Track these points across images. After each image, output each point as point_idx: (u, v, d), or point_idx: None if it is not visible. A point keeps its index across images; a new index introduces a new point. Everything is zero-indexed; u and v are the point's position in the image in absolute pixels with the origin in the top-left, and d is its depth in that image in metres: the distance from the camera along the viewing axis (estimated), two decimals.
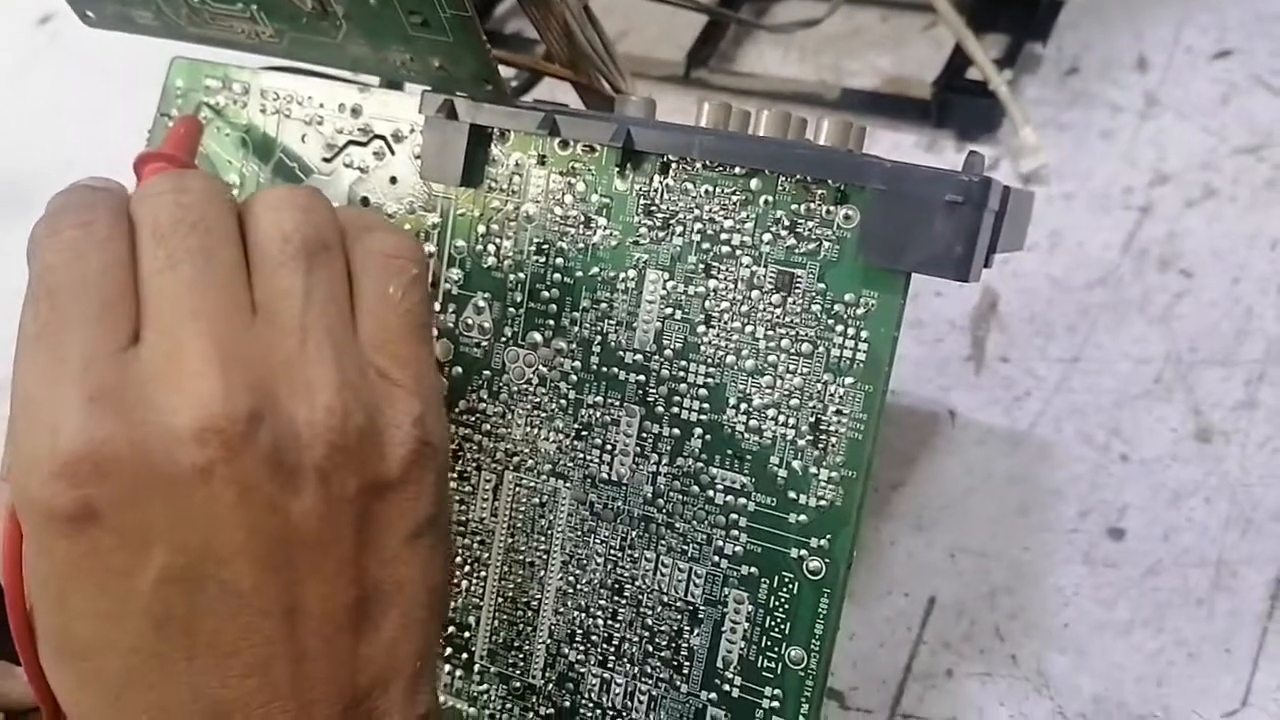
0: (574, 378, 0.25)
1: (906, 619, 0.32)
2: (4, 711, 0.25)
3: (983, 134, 0.41)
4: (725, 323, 0.24)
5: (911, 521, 0.34)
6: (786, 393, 0.23)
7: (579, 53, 0.30)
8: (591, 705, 0.25)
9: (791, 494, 0.23)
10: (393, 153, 0.27)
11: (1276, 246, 0.36)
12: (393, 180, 0.27)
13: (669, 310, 0.24)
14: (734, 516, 0.24)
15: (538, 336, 0.25)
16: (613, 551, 0.25)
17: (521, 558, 0.26)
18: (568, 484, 0.25)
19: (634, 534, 0.25)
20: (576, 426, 0.25)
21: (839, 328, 0.23)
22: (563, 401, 0.25)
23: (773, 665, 0.23)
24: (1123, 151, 0.40)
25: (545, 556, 0.26)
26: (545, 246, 0.25)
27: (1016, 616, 0.32)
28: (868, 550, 0.34)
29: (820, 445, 0.23)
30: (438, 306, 0.26)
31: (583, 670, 0.25)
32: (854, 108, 0.43)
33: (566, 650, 0.26)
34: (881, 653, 0.32)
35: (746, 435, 0.24)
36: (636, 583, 0.25)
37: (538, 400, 0.25)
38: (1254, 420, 0.33)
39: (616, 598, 0.25)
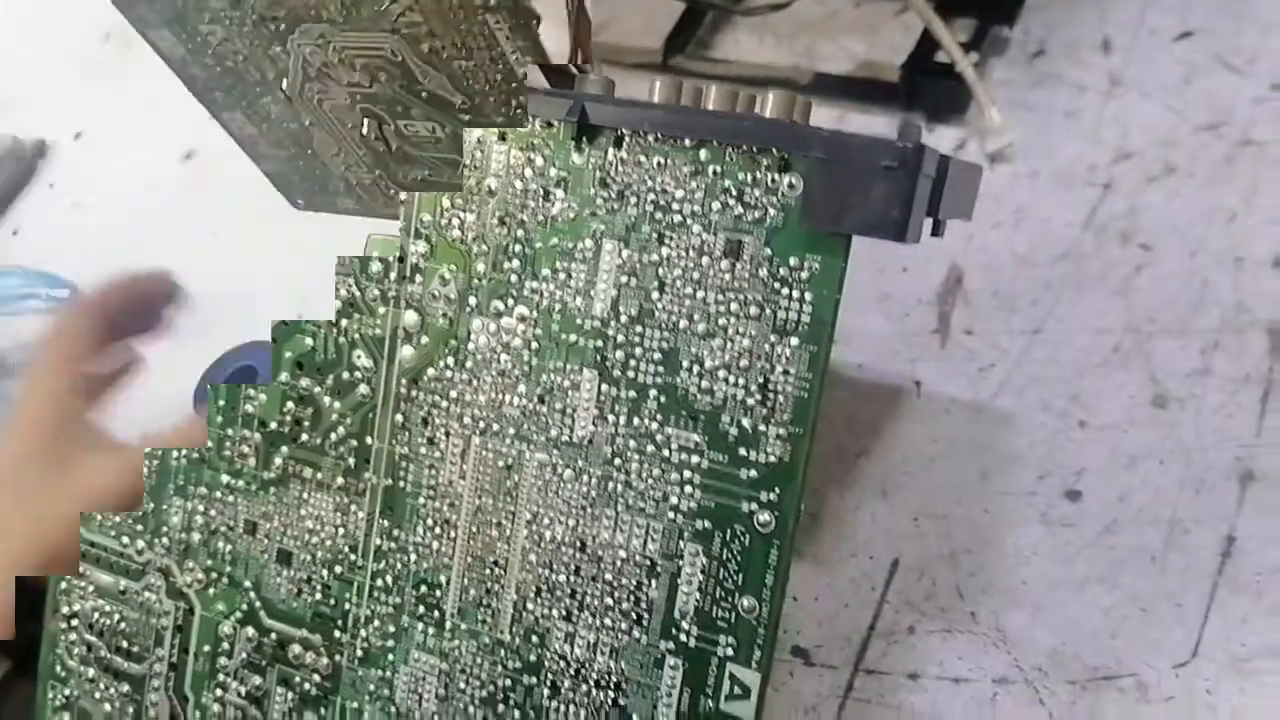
0: (535, 345, 0.26)
1: (871, 580, 0.33)
2: None
3: (951, 115, 0.42)
4: (678, 289, 0.25)
5: (876, 488, 0.35)
6: (736, 354, 0.24)
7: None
8: (557, 657, 0.26)
9: (742, 451, 0.24)
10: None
11: (1233, 220, 0.37)
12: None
13: (625, 278, 0.25)
14: (688, 474, 0.25)
15: (500, 305, 0.26)
16: (575, 510, 0.26)
17: (489, 518, 0.27)
18: (532, 447, 0.26)
19: (594, 493, 0.26)
20: (539, 391, 0.26)
21: (784, 290, 0.24)
22: (525, 368, 0.26)
23: (726, 614, 0.25)
24: (1086, 130, 0.41)
25: (512, 517, 0.27)
26: (506, 219, 0.26)
27: (976, 575, 0.33)
28: (833, 515, 0.35)
29: (768, 404, 0.24)
30: (407, 279, 0.27)
31: (548, 624, 0.26)
32: (826, 91, 0.44)
33: (532, 606, 0.27)
34: (846, 612, 0.33)
35: (699, 396, 0.25)
36: (598, 539, 0.26)
37: (502, 367, 0.27)
38: (1208, 387, 0.34)
39: (578, 554, 0.26)
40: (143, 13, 0.32)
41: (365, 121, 0.31)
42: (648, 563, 0.25)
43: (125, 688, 0.31)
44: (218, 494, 0.30)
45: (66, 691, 0.32)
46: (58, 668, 0.32)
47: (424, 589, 0.28)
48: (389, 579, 0.28)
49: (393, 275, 0.27)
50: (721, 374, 0.24)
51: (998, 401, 0.36)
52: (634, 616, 0.26)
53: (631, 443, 0.25)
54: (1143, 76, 0.42)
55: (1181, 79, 0.41)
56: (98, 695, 0.31)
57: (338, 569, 0.29)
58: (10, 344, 0.56)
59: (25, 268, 0.60)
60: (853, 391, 0.37)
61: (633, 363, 0.25)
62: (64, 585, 0.32)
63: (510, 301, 0.26)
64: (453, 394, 0.27)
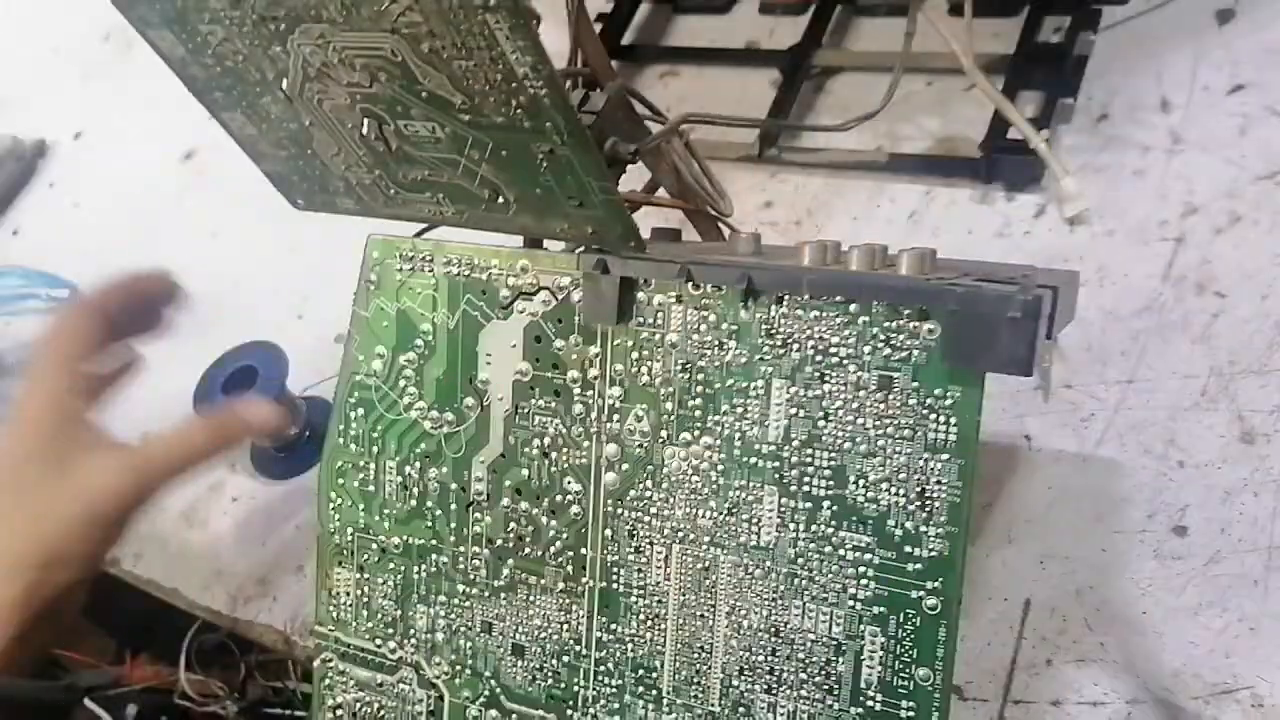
0: (721, 467, 0.32)
1: (1008, 619, 0.39)
2: None
3: (1029, 185, 0.47)
4: (840, 417, 0.30)
5: (1003, 536, 0.40)
6: (895, 469, 0.29)
7: (685, 186, 0.36)
8: None
9: (907, 548, 0.30)
10: (558, 300, 0.33)
11: None
12: (559, 321, 0.33)
13: (794, 410, 0.31)
14: (862, 569, 0.30)
15: (688, 436, 0.32)
16: (767, 602, 0.31)
17: (693, 611, 0.32)
18: (725, 551, 0.32)
19: (783, 587, 0.31)
20: (727, 506, 0.32)
21: (932, 416, 0.29)
22: (714, 486, 0.32)
23: (905, 683, 0.30)
24: (1154, 188, 0.45)
25: (713, 609, 0.32)
26: (688, 365, 0.32)
27: (1101, 609, 0.38)
28: (969, 564, 0.40)
29: (926, 509, 0.29)
30: (606, 419, 0.33)
31: (752, 697, 0.32)
32: (909, 170, 0.49)
33: (737, 682, 0.32)
34: (989, 650, 0.38)
35: (866, 504, 0.30)
36: (789, 625, 0.31)
37: (693, 486, 0.32)
38: None
39: (774, 638, 0.31)
40: (143, 12, 0.32)
41: (365, 121, 0.31)
42: (834, 643, 0.31)
43: None
44: (456, 601, 0.36)
45: None
46: None
47: (641, 672, 0.33)
48: (610, 665, 0.34)
49: (593, 415, 0.33)
50: (884, 485, 0.30)
51: (1102, 449, 0.41)
52: (826, 688, 0.31)
53: (811, 545, 0.31)
54: (1201, 132, 0.46)
55: (1237, 131, 0.46)
56: None
57: (565, 658, 0.35)
58: (10, 344, 0.59)
59: (25, 268, 0.62)
60: None
61: (806, 479, 0.31)
62: (327, 681, 0.38)
63: (697, 432, 0.32)
64: (653, 510, 0.33)
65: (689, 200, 0.37)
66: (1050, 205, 0.47)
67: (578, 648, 0.34)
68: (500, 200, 0.32)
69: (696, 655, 0.33)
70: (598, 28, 0.59)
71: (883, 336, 0.29)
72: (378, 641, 0.37)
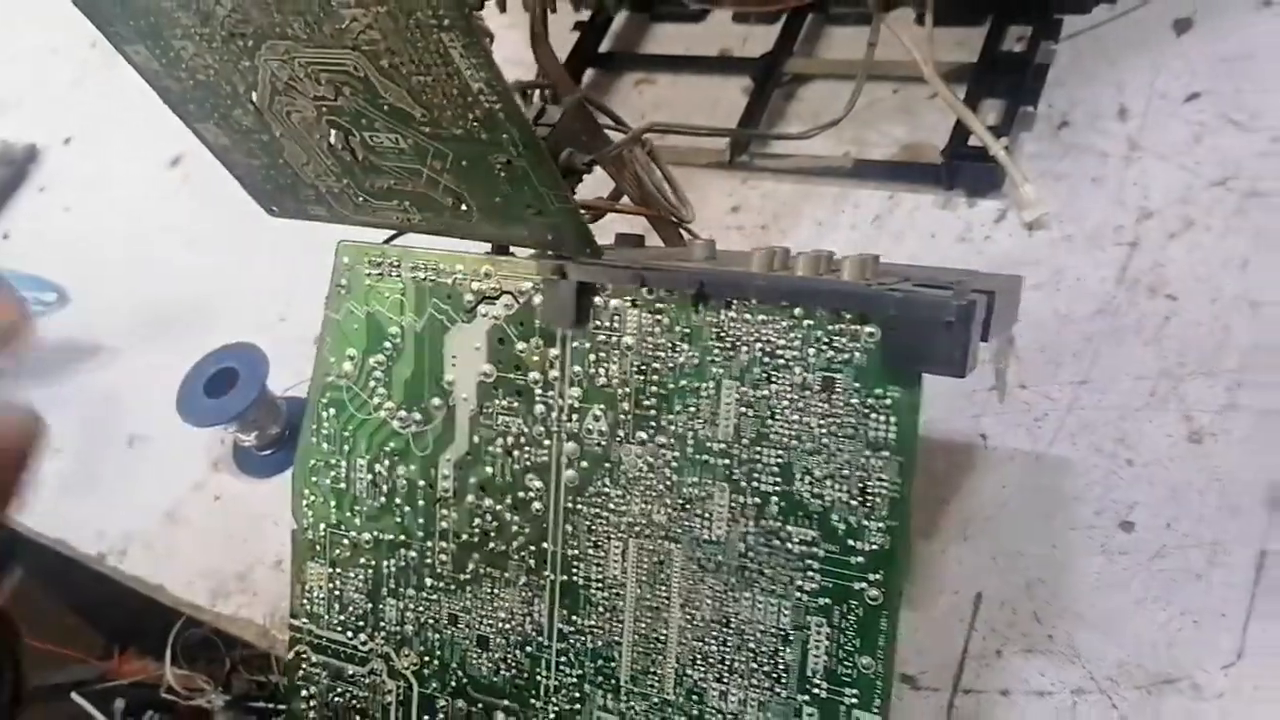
0: (674, 464, 0.33)
1: (959, 613, 0.40)
2: None
3: (990, 191, 0.48)
4: (787, 416, 0.31)
5: (958, 532, 0.41)
6: (838, 466, 0.31)
7: (647, 193, 0.37)
8: (714, 711, 0.33)
9: (850, 542, 0.31)
10: (520, 304, 0.34)
11: (1246, 267, 0.43)
12: (520, 324, 0.35)
13: (743, 409, 0.32)
14: (808, 562, 0.31)
15: (644, 435, 0.33)
16: (719, 594, 0.33)
17: (649, 604, 0.34)
18: (679, 545, 0.33)
19: (733, 580, 0.32)
20: (680, 501, 0.33)
21: (873, 416, 0.30)
22: (668, 483, 0.33)
23: (849, 671, 0.31)
24: (1111, 194, 0.47)
25: (667, 601, 0.33)
26: (643, 367, 0.33)
27: (1050, 603, 0.39)
28: (923, 559, 0.41)
29: (868, 504, 0.30)
30: (565, 418, 0.34)
31: (705, 686, 0.33)
32: (875, 176, 0.50)
33: (690, 671, 0.33)
34: (941, 642, 0.39)
35: (811, 500, 0.31)
36: (740, 616, 0.32)
37: (649, 483, 0.33)
38: (1236, 421, 0.40)
39: (725, 629, 0.33)
40: (118, 28, 0.33)
41: (332, 133, 0.32)
42: (782, 633, 0.32)
43: None
44: (423, 594, 0.37)
45: None
46: None
47: (600, 662, 0.35)
48: (571, 655, 0.35)
49: (554, 415, 0.34)
50: (828, 482, 0.31)
51: (1054, 448, 0.42)
52: (775, 676, 0.32)
53: (760, 539, 0.32)
54: (1158, 139, 0.47)
55: (1192, 138, 0.47)
56: None
57: (528, 649, 0.36)
58: None
59: (15, 271, 0.64)
60: (929, 447, 0.43)
61: (755, 476, 0.32)
62: (302, 672, 0.39)
63: (652, 431, 0.33)
64: (610, 506, 0.34)
65: (651, 207, 0.38)
66: (1010, 211, 0.48)
67: (539, 639, 0.36)
68: (463, 208, 0.33)
69: (652, 646, 0.34)
70: (575, 36, 0.60)
71: (825, 339, 0.30)
72: (349, 634, 0.39)
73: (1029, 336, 0.45)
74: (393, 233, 0.38)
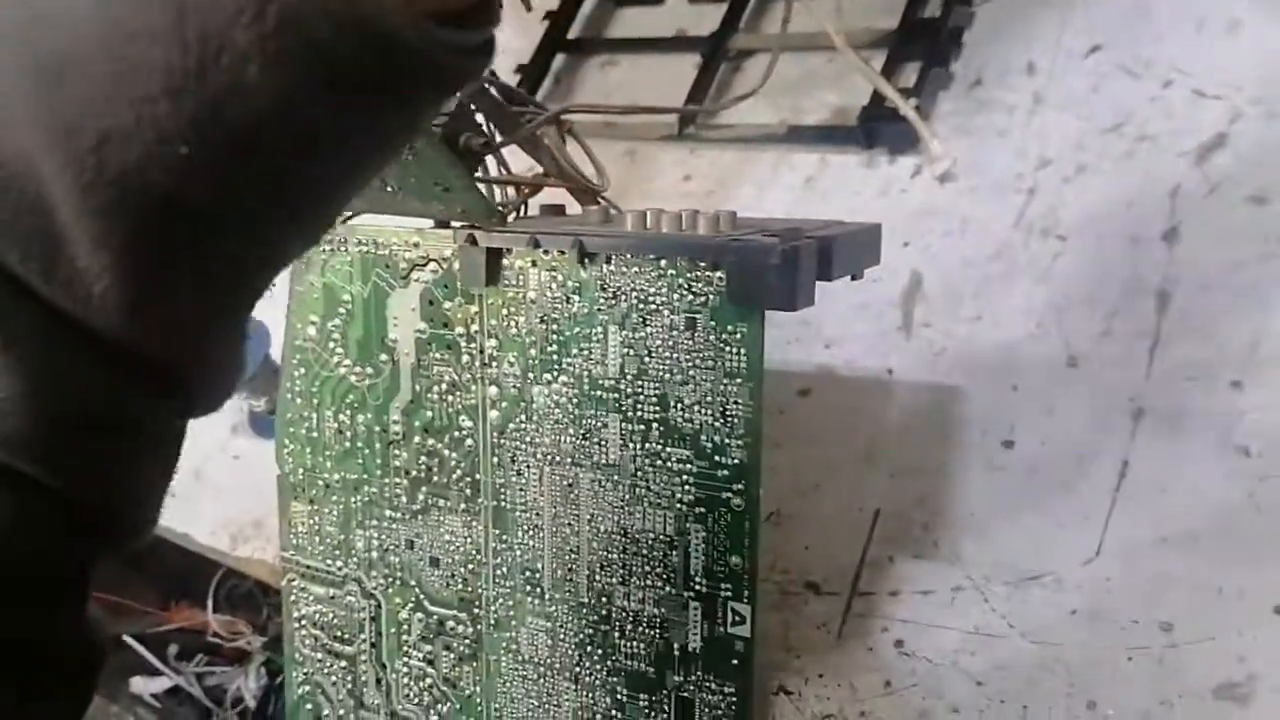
0: (575, 400, 0.38)
1: (860, 527, 0.45)
2: None
3: (908, 149, 0.53)
4: (660, 353, 0.36)
5: (863, 456, 0.46)
6: (704, 394, 0.36)
7: (560, 168, 0.43)
8: (620, 610, 0.39)
9: (717, 458, 0.36)
10: (444, 269, 0.40)
11: (1130, 207, 0.47)
12: (445, 286, 0.40)
13: (626, 350, 0.37)
14: (685, 478, 0.37)
15: (549, 376, 0.39)
16: (617, 509, 0.38)
17: (563, 521, 0.39)
18: (583, 470, 0.39)
19: (628, 496, 0.38)
20: (582, 432, 0.38)
21: (727, 349, 0.35)
22: (571, 416, 0.39)
23: (723, 569, 0.36)
24: (1015, 145, 0.51)
25: (577, 518, 0.39)
26: (545, 318, 0.38)
27: (938, 514, 0.44)
28: (832, 478, 0.46)
29: (729, 425, 0.36)
30: (486, 365, 0.40)
31: (611, 589, 0.39)
32: (806, 140, 0.55)
33: (599, 577, 0.39)
34: (843, 552, 0.44)
35: (684, 424, 0.36)
36: (635, 527, 0.38)
37: (556, 418, 0.39)
38: (1109, 345, 0.44)
39: (624, 538, 0.38)
40: None
41: None
42: (669, 539, 0.37)
43: (343, 664, 0.45)
44: (384, 524, 0.43)
45: (305, 670, 0.46)
46: (296, 655, 0.46)
47: (528, 573, 0.40)
48: (505, 569, 0.41)
49: (477, 363, 0.40)
50: (696, 408, 0.36)
51: (951, 379, 0.46)
52: (665, 577, 0.38)
53: (646, 460, 0.37)
54: (1059, 92, 0.51)
55: (1090, 89, 0.51)
56: (325, 671, 0.45)
57: (470, 566, 0.42)
58: None
59: None
60: (843, 383, 0.48)
61: (639, 406, 0.37)
62: (293, 597, 0.46)
63: (555, 372, 0.39)
64: (527, 439, 0.40)
65: (567, 180, 0.43)
66: (925, 167, 0.52)
67: (479, 556, 0.41)
68: (389, 189, 0.39)
69: (568, 557, 0.40)
70: (547, 23, 0.65)
71: (686, 285, 0.36)
72: (328, 562, 0.45)
73: (936, 280, 0.49)
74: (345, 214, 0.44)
